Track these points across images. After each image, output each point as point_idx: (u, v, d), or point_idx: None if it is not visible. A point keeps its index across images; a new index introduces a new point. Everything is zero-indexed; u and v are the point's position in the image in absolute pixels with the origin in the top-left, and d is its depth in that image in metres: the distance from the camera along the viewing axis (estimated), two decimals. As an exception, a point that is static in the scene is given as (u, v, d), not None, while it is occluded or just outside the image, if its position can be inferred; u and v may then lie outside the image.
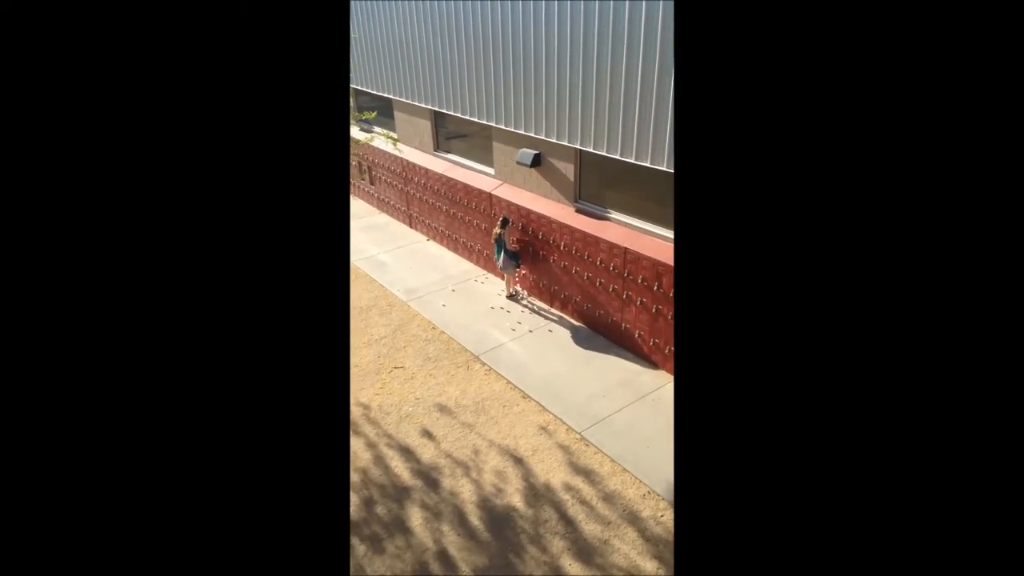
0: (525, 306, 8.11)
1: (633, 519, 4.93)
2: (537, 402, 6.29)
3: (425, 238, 10.15)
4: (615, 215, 7.07)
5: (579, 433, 5.84)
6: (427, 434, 5.91)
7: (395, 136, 8.07)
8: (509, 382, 6.61)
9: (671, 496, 5.08)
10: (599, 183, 7.25)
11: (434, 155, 9.67)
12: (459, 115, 8.57)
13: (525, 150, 7.75)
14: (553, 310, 7.98)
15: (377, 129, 10.27)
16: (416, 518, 4.99)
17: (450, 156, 9.45)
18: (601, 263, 6.99)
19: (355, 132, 10.44)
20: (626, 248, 6.61)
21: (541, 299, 8.17)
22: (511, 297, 8.28)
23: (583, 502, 5.11)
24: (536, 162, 7.67)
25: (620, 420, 5.98)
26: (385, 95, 10.05)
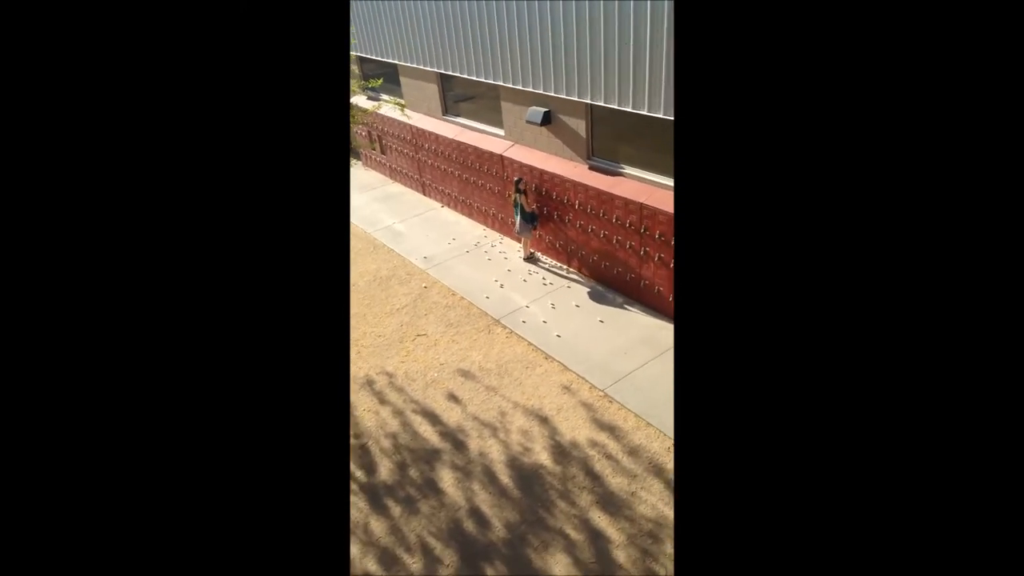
0: (543, 268, 8.11)
1: (659, 471, 5.03)
2: (559, 362, 6.35)
3: (440, 205, 10.12)
4: (629, 170, 6.95)
5: (602, 390, 5.91)
6: (453, 398, 6.04)
7: (403, 102, 7.96)
8: (531, 344, 6.68)
9: (696, 447, 5.15)
10: (612, 138, 7.10)
11: (443, 120, 9.54)
12: (466, 76, 8.40)
13: (534, 108, 7.59)
14: (571, 270, 7.96)
15: (384, 97, 10.14)
16: (447, 479, 5.16)
17: (459, 120, 9.32)
18: (617, 220, 6.91)
19: (362, 101, 10.32)
20: (642, 203, 6.52)
21: (558, 260, 8.15)
22: (528, 260, 8.27)
23: (609, 457, 5.21)
24: (546, 120, 7.53)
25: (643, 376, 6.03)
26: (390, 61, 9.87)
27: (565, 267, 8.04)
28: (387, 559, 4.55)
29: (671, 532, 4.53)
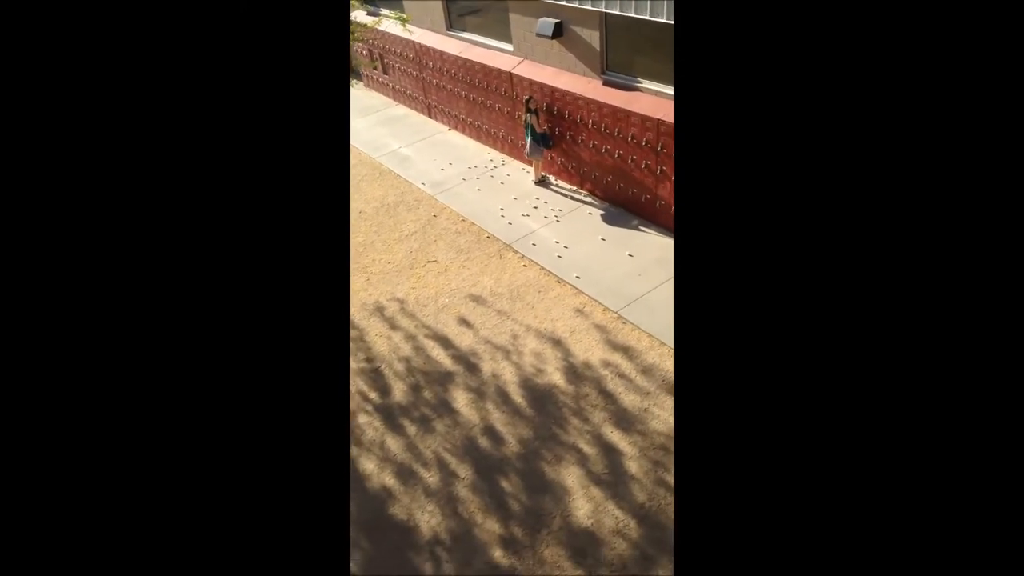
0: (555, 191, 7.89)
1: (671, 389, 5.04)
2: (572, 285, 6.28)
3: (447, 128, 9.77)
4: (647, 84, 6.58)
5: (616, 312, 5.86)
6: (465, 323, 6.03)
7: (405, 16, 7.49)
8: (543, 268, 6.59)
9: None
10: (628, 50, 6.68)
11: (447, 35, 9.04)
12: (471, -14, 7.86)
13: (545, 19, 7.13)
14: (584, 192, 7.74)
15: (384, 11, 9.58)
16: (461, 399, 5.22)
17: (465, 35, 8.82)
18: (633, 139, 6.62)
19: (361, 16, 9.77)
20: (659, 120, 6.21)
21: (571, 182, 7.91)
22: (540, 183, 8.04)
23: (622, 376, 5.23)
24: (557, 32, 7.08)
25: (657, 296, 5.95)
26: (389, -29, 9.26)
27: (577, 189, 7.82)
28: (404, 473, 4.68)
29: (683, 447, 4.60)
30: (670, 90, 6.37)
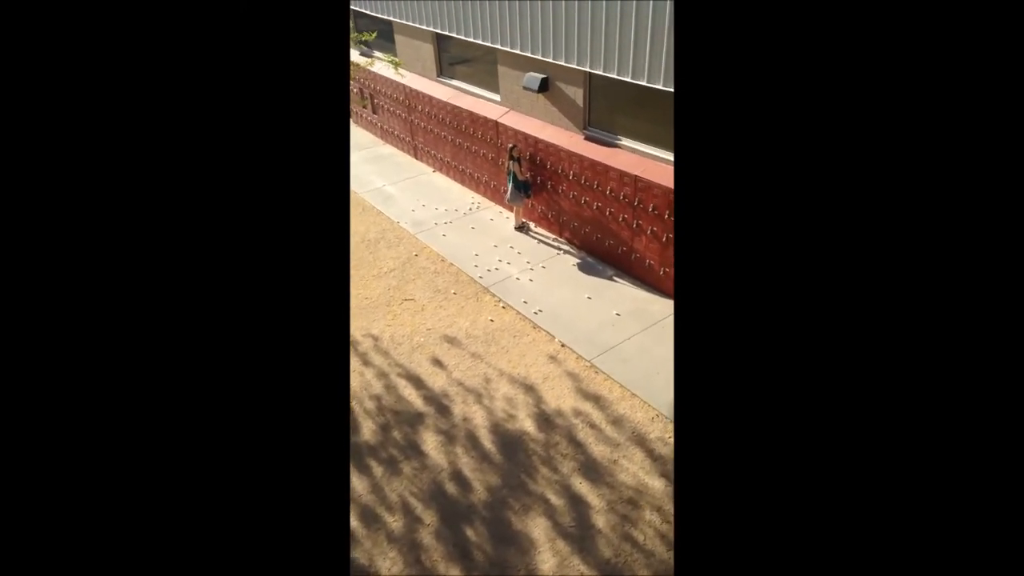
0: (534, 237, 8.04)
1: (641, 440, 5.08)
2: (547, 332, 6.34)
3: (431, 169, 9.95)
4: (625, 142, 6.86)
5: (589, 361, 5.92)
6: (438, 363, 6.02)
7: (398, 60, 7.73)
8: (519, 313, 6.65)
9: (678, 420, 5.20)
10: (609, 108, 6.98)
11: (437, 81, 9.31)
12: (462, 37, 8.17)
13: (532, 74, 7.43)
14: (562, 241, 7.91)
15: (377, 53, 9.85)
16: (431, 442, 5.16)
17: (454, 82, 9.10)
18: (611, 192, 6.85)
19: (354, 56, 10.02)
20: (636, 176, 6.45)
21: (550, 230, 8.08)
22: (520, 229, 8.20)
23: (592, 426, 5.25)
24: (543, 87, 7.37)
25: (630, 347, 6.05)
26: (385, 17, 9.56)
27: (556, 237, 7.98)
28: (367, 516, 4.57)
29: (651, 499, 4.60)
30: (648, 149, 6.64)
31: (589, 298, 6.82)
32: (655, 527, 4.40)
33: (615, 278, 7.16)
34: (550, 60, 7.02)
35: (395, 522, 4.52)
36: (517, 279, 7.22)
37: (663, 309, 6.58)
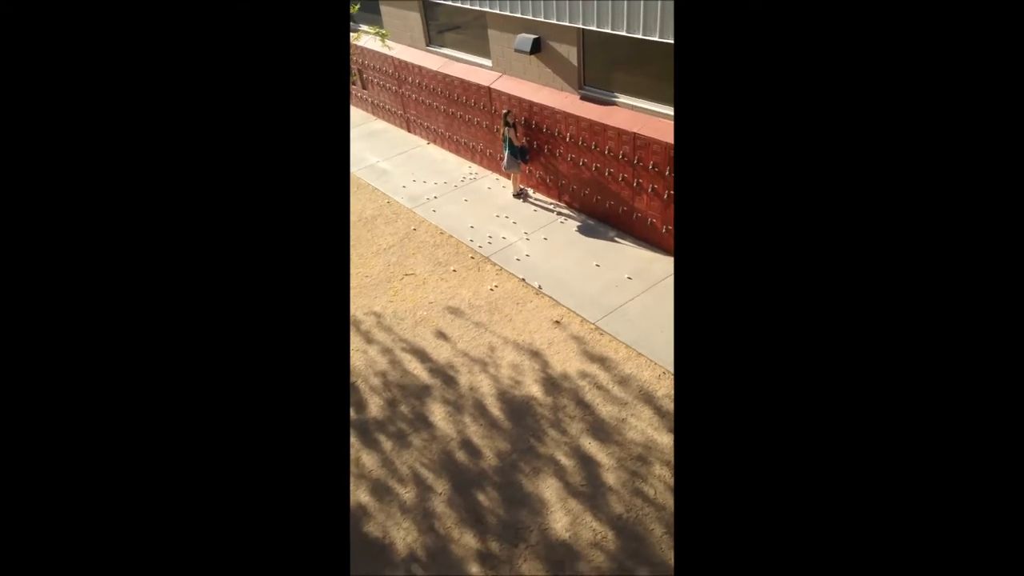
0: (533, 203, 7.92)
1: (648, 398, 5.04)
2: (550, 297, 6.28)
3: (425, 142, 9.79)
4: (623, 99, 6.68)
5: (594, 323, 5.86)
6: (442, 336, 5.98)
7: (384, 32, 7.53)
8: (521, 280, 6.58)
9: (687, 377, 5.15)
10: (605, 65, 6.78)
11: (427, 51, 9.09)
12: (450, 3, 7.94)
13: (523, 36, 7.22)
14: (561, 205, 7.78)
15: (363, 26, 9.63)
16: (438, 413, 5.15)
17: (444, 51, 8.89)
18: (610, 152, 6.69)
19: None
20: (635, 133, 6.29)
21: (549, 195, 7.95)
22: (518, 196, 8.07)
23: (599, 387, 5.21)
24: (536, 48, 7.17)
25: (634, 308, 5.97)
26: (368, -13, 9.32)
27: (555, 202, 7.86)
28: (379, 489, 4.58)
29: (660, 455, 4.58)
30: (646, 104, 6.46)
31: (592, 262, 6.73)
32: (665, 481, 4.38)
33: (617, 239, 7.06)
34: (541, 19, 6.81)
35: (407, 493, 4.53)
36: (518, 247, 7.12)
37: (666, 267, 6.48)
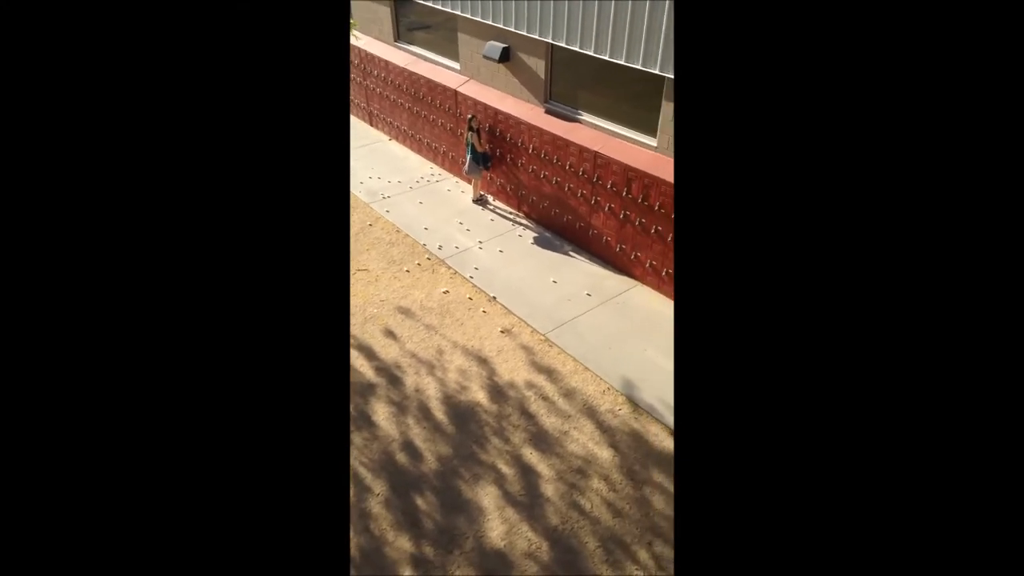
0: (492, 210, 7.97)
1: (591, 413, 5.16)
2: (503, 305, 6.33)
3: (387, 137, 9.68)
4: (586, 117, 6.83)
5: (543, 335, 5.95)
6: (391, 335, 5.93)
7: (353, 21, 7.41)
8: (475, 286, 6.61)
9: (629, 391, 5.31)
10: (571, 82, 6.92)
11: (395, 46, 9.01)
12: (422, 1, 7.90)
13: (493, 43, 7.27)
14: (520, 215, 7.87)
15: (333, 15, 9.44)
16: (382, 412, 5.10)
17: (412, 48, 8.83)
18: (571, 167, 6.83)
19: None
20: (596, 152, 6.45)
21: (508, 204, 8.02)
22: (478, 201, 8.10)
23: (544, 398, 5.30)
24: (504, 57, 7.24)
25: (585, 322, 6.11)
26: (341, -25, 9.13)
27: (515, 211, 7.93)
28: (315, 488, 4.49)
29: (599, 468, 4.70)
30: (608, 125, 6.64)
31: (546, 272, 6.83)
32: (602, 495, 4.50)
33: (572, 253, 7.19)
34: (511, 29, 6.89)
35: (343, 492, 4.47)
36: (474, 252, 7.15)
37: (618, 285, 6.66)
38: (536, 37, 6.67)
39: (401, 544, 4.15)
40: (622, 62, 5.89)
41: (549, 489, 4.54)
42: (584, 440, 4.92)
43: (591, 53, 6.13)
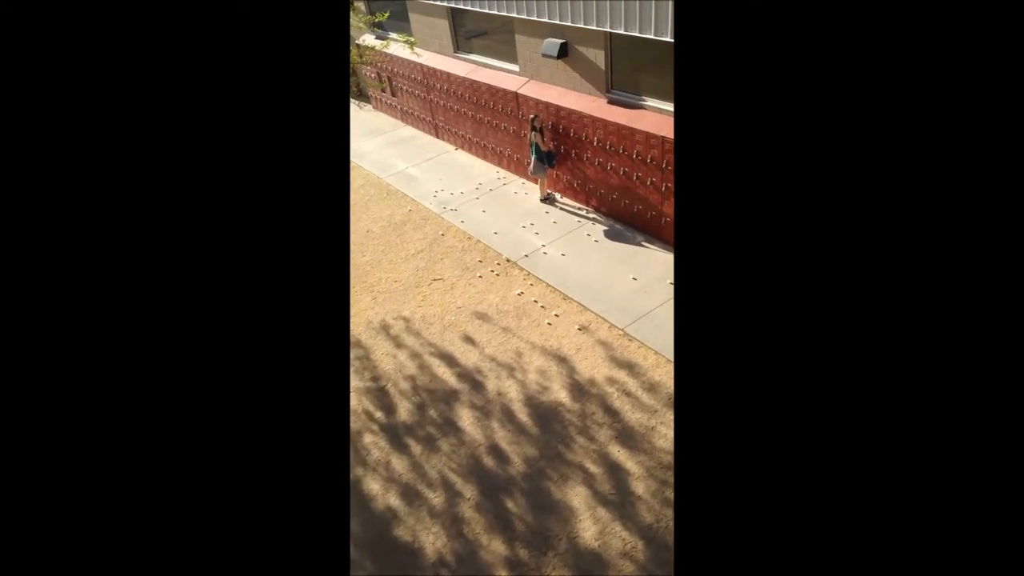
0: (560, 208, 7.91)
1: (679, 408, 4.98)
2: (578, 302, 6.26)
3: (453, 147, 9.87)
4: (651, 102, 6.62)
5: (622, 329, 5.82)
6: (470, 340, 6.01)
7: (413, 39, 7.62)
8: (548, 285, 6.57)
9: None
10: (632, 68, 6.74)
11: (455, 57, 9.18)
12: (477, 8, 7.99)
13: (550, 40, 7.22)
14: (589, 209, 7.75)
15: (392, 34, 9.77)
16: (466, 418, 5.18)
17: (472, 57, 8.95)
18: (638, 156, 6.64)
19: (369, 39, 9.96)
20: (663, 137, 6.23)
21: (576, 200, 7.93)
22: (545, 200, 8.07)
23: (627, 393, 5.17)
24: (563, 52, 7.16)
25: (663, 313, 5.91)
26: (397, -4, 9.44)
27: (583, 206, 7.83)
28: (409, 493, 4.63)
29: (691, 466, 4.52)
30: (673, 107, 6.39)
31: (620, 264, 6.68)
32: (697, 493, 4.32)
33: (644, 243, 6.99)
34: (568, 24, 6.81)
35: (436, 498, 4.57)
36: (545, 252, 7.12)
37: (697, 273, 6.39)
38: (593, 27, 6.56)
39: (495, 547, 4.18)
40: (683, 41, 5.65)
41: (640, 487, 4.41)
42: (672, 435, 4.74)
43: (651, 36, 5.94)
